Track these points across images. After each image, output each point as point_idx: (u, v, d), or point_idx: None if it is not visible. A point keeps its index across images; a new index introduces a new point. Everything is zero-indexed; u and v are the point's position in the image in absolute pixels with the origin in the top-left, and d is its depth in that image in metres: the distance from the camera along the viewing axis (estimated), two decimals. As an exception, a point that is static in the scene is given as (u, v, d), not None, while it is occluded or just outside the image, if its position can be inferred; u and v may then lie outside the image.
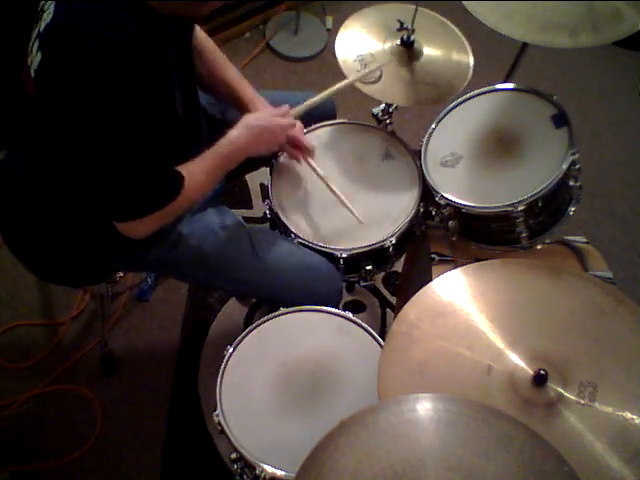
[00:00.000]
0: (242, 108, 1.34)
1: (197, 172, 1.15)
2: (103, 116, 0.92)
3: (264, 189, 1.46)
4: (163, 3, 0.96)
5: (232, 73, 1.37)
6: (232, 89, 1.35)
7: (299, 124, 1.36)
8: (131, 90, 0.91)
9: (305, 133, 1.47)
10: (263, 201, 1.44)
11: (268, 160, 1.45)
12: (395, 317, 1.01)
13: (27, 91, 1.00)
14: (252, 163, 1.52)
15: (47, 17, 0.94)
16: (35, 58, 0.95)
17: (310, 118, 1.48)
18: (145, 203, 1.07)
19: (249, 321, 1.83)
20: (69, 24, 0.90)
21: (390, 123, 1.55)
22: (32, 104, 1.01)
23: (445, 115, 1.41)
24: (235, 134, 1.21)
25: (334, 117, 1.55)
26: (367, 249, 1.33)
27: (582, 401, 0.85)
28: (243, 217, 1.45)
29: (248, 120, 1.24)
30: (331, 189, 1.35)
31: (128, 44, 0.90)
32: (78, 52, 0.88)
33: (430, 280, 1.02)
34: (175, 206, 1.11)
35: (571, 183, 1.25)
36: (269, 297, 1.42)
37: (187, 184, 1.12)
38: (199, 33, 1.32)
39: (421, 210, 1.38)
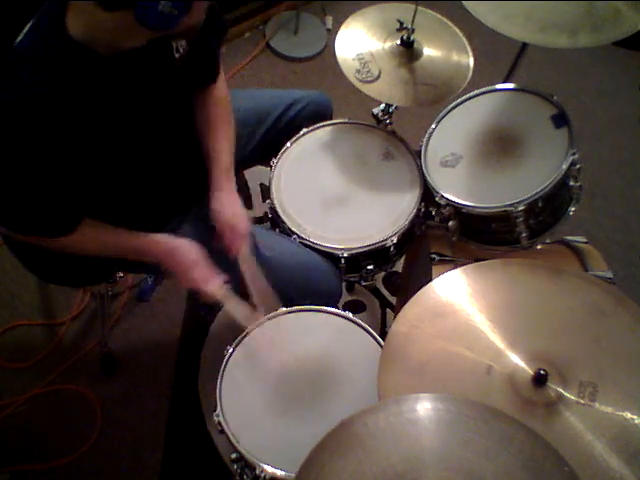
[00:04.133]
0: (210, 181, 1.28)
1: (108, 231, 1.16)
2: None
3: (264, 189, 1.46)
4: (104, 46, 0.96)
5: (221, 134, 1.29)
6: (208, 157, 1.28)
7: (243, 226, 1.25)
8: (31, 136, 0.95)
9: (305, 133, 1.48)
10: (263, 201, 1.44)
11: (268, 159, 1.45)
12: (395, 317, 1.01)
13: None
14: (249, 160, 1.53)
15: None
16: None
17: (307, 117, 1.48)
18: (30, 226, 1.09)
19: (249, 321, 1.82)
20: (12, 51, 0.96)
21: (390, 123, 1.55)
22: None
23: (445, 115, 1.41)
24: (162, 241, 1.18)
25: (330, 116, 1.55)
26: (368, 249, 1.33)
27: (582, 401, 0.86)
28: (243, 217, 1.44)
29: (182, 244, 1.19)
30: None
31: (47, 92, 0.94)
32: None
33: (430, 280, 1.02)
34: (62, 243, 1.12)
35: (571, 183, 1.25)
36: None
37: (86, 233, 1.12)
38: (221, 83, 1.31)
39: (421, 210, 1.38)
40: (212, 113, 1.30)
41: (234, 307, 1.21)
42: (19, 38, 0.98)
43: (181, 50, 1.09)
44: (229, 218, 1.24)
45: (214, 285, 1.19)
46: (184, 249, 1.19)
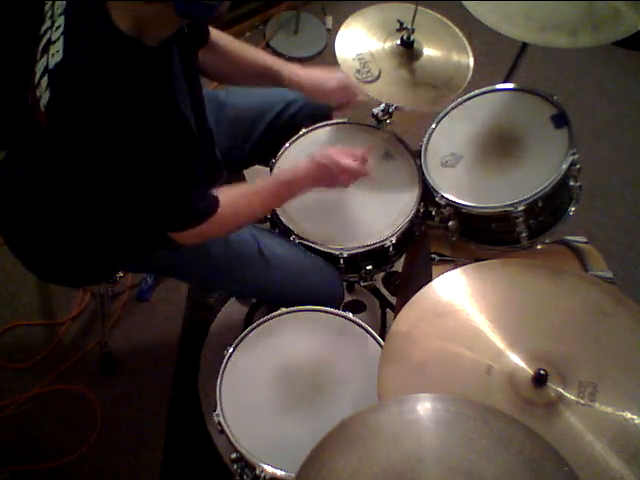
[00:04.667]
0: (274, 79, 1.35)
1: (246, 196, 1.19)
2: (119, 148, 0.97)
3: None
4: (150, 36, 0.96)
5: (251, 48, 1.36)
6: (262, 66, 1.34)
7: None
8: (138, 118, 0.95)
9: (304, 133, 1.47)
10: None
11: (267, 159, 1.45)
12: (395, 317, 1.01)
13: (38, 123, 1.03)
14: (248, 159, 1.53)
15: (56, 56, 0.95)
16: (44, 94, 0.98)
17: (306, 114, 1.48)
18: (171, 221, 1.11)
19: (249, 321, 1.82)
20: (78, 71, 0.94)
21: (390, 123, 1.55)
22: (44, 135, 1.04)
23: (445, 115, 1.41)
24: (298, 166, 1.23)
25: (329, 113, 1.55)
26: (367, 249, 1.33)
27: (582, 401, 0.85)
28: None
29: (316, 154, 1.23)
30: None
31: (129, 84, 0.94)
32: (87, 96, 0.93)
33: (430, 280, 1.02)
34: (208, 227, 1.12)
35: (571, 183, 1.25)
36: (271, 298, 1.42)
37: (226, 208, 1.13)
38: (214, 31, 1.32)
39: (421, 210, 1.38)
40: (230, 45, 1.34)
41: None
42: (58, 57, 0.96)
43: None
44: (326, 80, 1.34)
45: (363, 166, 1.25)
46: (317, 158, 1.22)
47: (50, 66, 0.97)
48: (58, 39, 0.96)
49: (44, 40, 1.01)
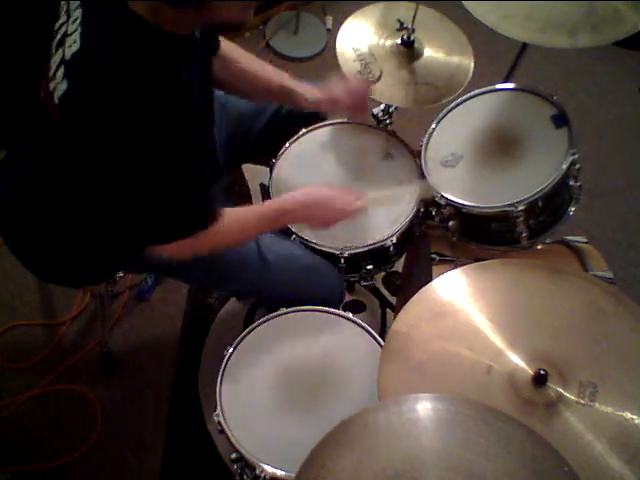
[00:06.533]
0: (287, 98, 1.34)
1: (240, 215, 1.17)
2: (136, 145, 0.94)
3: (264, 189, 1.46)
4: (169, 24, 0.95)
5: (266, 67, 1.35)
6: (271, 78, 1.33)
7: None
8: (160, 117, 0.93)
9: (304, 133, 1.47)
10: (263, 201, 1.44)
11: (267, 160, 1.45)
12: (395, 317, 1.01)
13: (50, 117, 1.01)
14: (248, 155, 1.53)
15: (73, 46, 0.94)
16: (60, 85, 0.96)
17: (303, 116, 1.48)
18: (177, 228, 1.07)
19: (249, 321, 1.82)
20: (95, 57, 0.92)
21: (390, 123, 1.55)
22: (57, 129, 1.02)
23: (445, 115, 1.41)
24: (292, 195, 1.21)
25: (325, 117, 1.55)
26: (368, 249, 1.33)
27: (582, 401, 0.85)
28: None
29: (312, 189, 1.22)
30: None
31: (150, 75, 0.92)
32: (104, 84, 0.91)
33: (430, 280, 1.02)
34: (207, 238, 1.10)
35: (571, 183, 1.25)
36: (271, 298, 1.41)
37: (225, 222, 1.11)
38: (225, 42, 1.31)
39: (421, 210, 1.38)
40: (239, 61, 1.32)
41: (381, 200, 1.30)
42: (75, 47, 0.95)
43: None
44: (335, 89, 1.32)
45: (355, 203, 1.22)
46: (312, 193, 1.20)
47: (67, 57, 0.95)
48: (75, 31, 0.96)
49: (60, 34, 0.99)
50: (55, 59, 0.99)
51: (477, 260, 1.13)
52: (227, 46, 1.30)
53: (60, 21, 1.01)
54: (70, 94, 0.95)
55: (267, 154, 1.46)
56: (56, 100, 0.97)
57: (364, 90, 1.36)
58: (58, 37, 1.00)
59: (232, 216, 1.14)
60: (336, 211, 1.22)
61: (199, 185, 1.05)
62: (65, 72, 0.95)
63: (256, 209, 1.23)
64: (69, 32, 0.97)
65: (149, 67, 0.92)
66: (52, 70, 0.99)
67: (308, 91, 1.33)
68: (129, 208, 1.06)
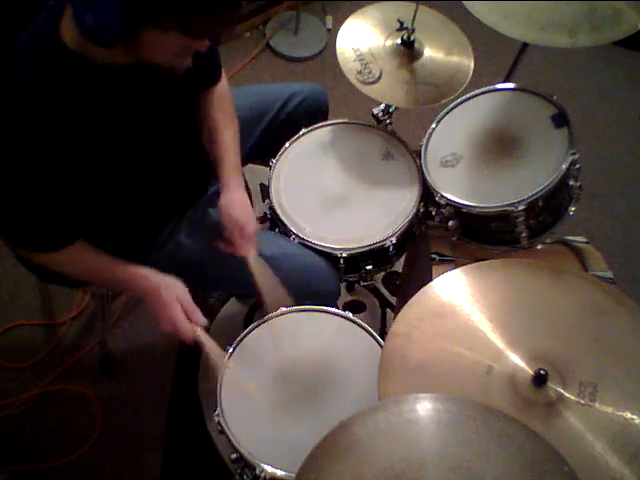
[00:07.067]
0: (219, 181, 1.29)
1: (96, 257, 1.14)
2: (11, 160, 0.97)
3: (264, 189, 1.46)
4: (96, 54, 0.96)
5: (226, 136, 1.30)
6: (215, 157, 1.29)
7: (251, 227, 1.23)
8: (40, 142, 0.95)
9: (304, 133, 1.48)
10: (263, 201, 1.44)
11: (268, 155, 1.45)
12: (395, 317, 1.01)
13: None
14: (249, 156, 1.53)
15: None
16: None
17: (304, 110, 1.48)
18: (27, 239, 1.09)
19: (249, 321, 1.82)
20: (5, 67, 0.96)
21: (390, 123, 1.55)
22: None
23: (445, 115, 1.41)
24: (147, 277, 1.15)
25: (326, 108, 1.55)
26: (367, 249, 1.33)
27: (582, 401, 0.85)
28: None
29: (166, 283, 1.14)
30: None
31: (47, 101, 0.95)
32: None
33: (430, 280, 1.02)
34: (45, 260, 1.12)
35: (571, 183, 1.25)
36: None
37: (73, 255, 1.12)
38: (223, 83, 1.31)
39: (421, 210, 1.38)
40: (217, 114, 1.30)
41: (209, 348, 1.16)
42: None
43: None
44: (238, 217, 1.22)
45: (189, 328, 1.13)
46: (168, 286, 1.14)
47: None
48: None
49: None
50: None
51: (477, 260, 1.12)
52: (220, 90, 1.30)
53: None
54: None
55: (267, 154, 1.46)
56: None
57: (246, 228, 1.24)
58: None
59: (83, 254, 1.14)
60: (167, 316, 1.13)
61: (27, 210, 1.04)
62: None
63: (109, 267, 1.16)
64: None
65: (46, 90, 0.94)
66: None
67: (225, 198, 1.25)
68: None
